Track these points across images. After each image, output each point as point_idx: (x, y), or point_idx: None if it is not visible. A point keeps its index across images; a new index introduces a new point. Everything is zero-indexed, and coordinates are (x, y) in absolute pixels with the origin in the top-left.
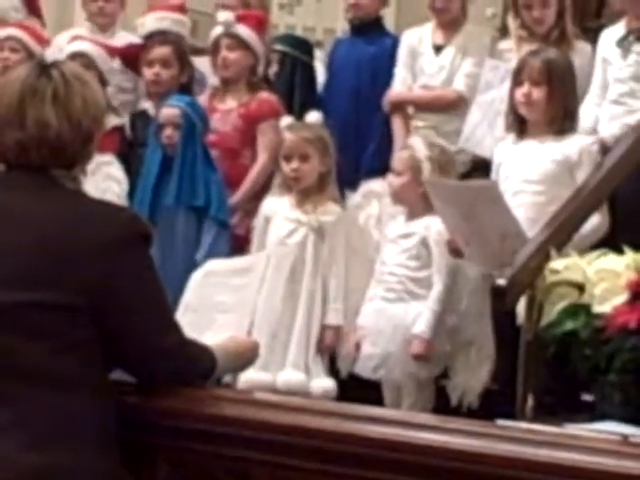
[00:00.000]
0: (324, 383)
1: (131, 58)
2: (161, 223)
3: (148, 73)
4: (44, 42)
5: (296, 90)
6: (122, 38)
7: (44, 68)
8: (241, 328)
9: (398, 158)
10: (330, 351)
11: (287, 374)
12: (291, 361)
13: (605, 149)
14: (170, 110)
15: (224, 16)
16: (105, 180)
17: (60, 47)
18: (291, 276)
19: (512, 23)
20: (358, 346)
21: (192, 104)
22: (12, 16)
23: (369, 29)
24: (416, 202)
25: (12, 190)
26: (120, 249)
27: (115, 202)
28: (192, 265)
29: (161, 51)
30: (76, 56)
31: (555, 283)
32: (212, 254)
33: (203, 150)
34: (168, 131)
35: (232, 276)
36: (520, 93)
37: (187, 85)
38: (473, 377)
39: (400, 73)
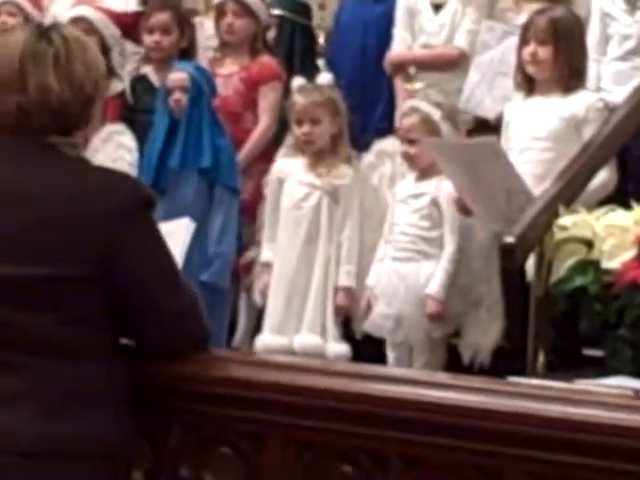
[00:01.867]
0: (339, 346)
1: (127, 27)
2: (169, 188)
3: (148, 40)
4: (42, 7)
5: (296, 54)
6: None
7: (44, 31)
8: None
9: (409, 125)
10: (342, 313)
11: (303, 337)
12: (307, 324)
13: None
14: (178, 74)
15: None
16: (117, 149)
17: (55, 14)
18: (306, 240)
19: None
20: (369, 306)
21: (199, 69)
22: None
23: None
24: (433, 164)
25: (12, 162)
26: (124, 217)
27: (127, 170)
28: (203, 233)
29: (160, 17)
30: (77, 21)
31: (564, 240)
32: (227, 224)
33: (211, 115)
34: (177, 95)
35: None
36: (527, 52)
37: (188, 50)
38: (484, 336)
39: (399, 33)
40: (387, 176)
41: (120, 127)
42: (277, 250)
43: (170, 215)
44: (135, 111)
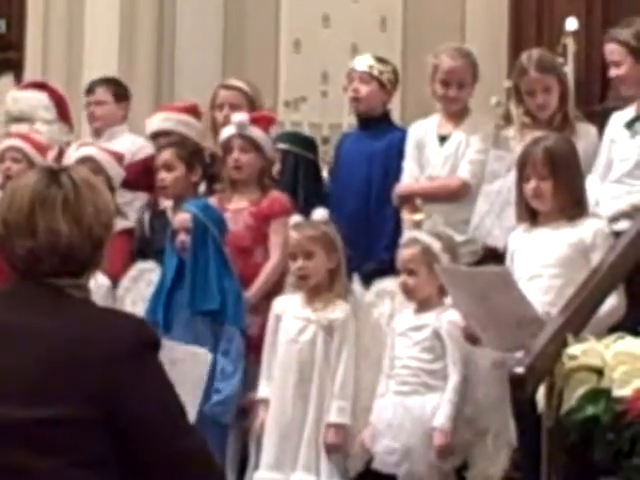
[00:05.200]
0: None
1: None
2: (176, 327)
3: (157, 179)
4: (45, 152)
5: (300, 187)
6: (124, 140)
7: (53, 174)
8: None
9: (409, 257)
10: (333, 450)
11: (298, 476)
12: (302, 462)
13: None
14: (182, 215)
15: (238, 117)
16: (148, 287)
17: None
18: (301, 375)
19: (515, 110)
20: (369, 443)
21: (204, 208)
22: (41, 115)
23: (377, 123)
24: (432, 295)
25: (20, 305)
26: (128, 358)
27: None
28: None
29: (163, 156)
30: (84, 161)
31: (574, 369)
32: (237, 363)
33: (219, 254)
34: (181, 236)
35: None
36: (528, 188)
37: (210, 181)
38: (492, 465)
39: (408, 165)
40: (386, 315)
41: (151, 265)
42: (272, 386)
43: None
44: (149, 250)
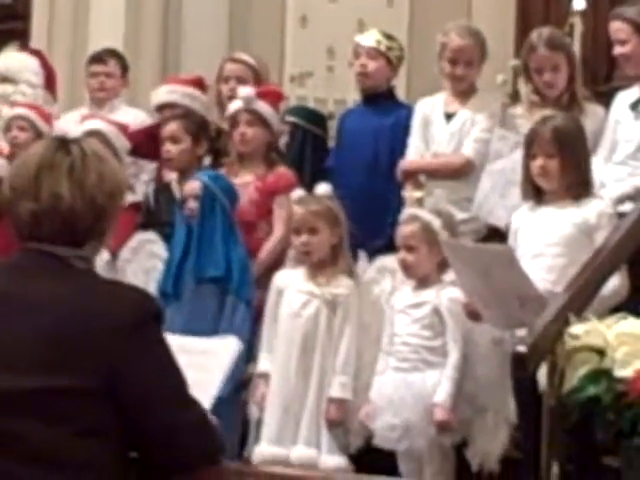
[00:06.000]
0: (335, 459)
1: (141, 144)
2: (186, 296)
3: (162, 151)
4: (51, 121)
5: (306, 161)
6: (124, 113)
7: (64, 143)
8: None
9: (409, 233)
10: (334, 425)
11: (299, 450)
12: (303, 436)
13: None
14: (191, 183)
15: (245, 91)
16: (150, 258)
17: (65, 128)
18: (303, 349)
19: (524, 88)
20: (369, 418)
21: (215, 178)
22: (27, 77)
23: (381, 99)
24: (431, 273)
25: (22, 276)
26: (131, 330)
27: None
28: None
29: (169, 127)
30: (91, 134)
31: (576, 348)
32: (239, 336)
33: (228, 224)
34: (190, 203)
35: (191, 354)
36: (535, 166)
37: (215, 156)
38: (492, 442)
39: (414, 142)
40: (387, 292)
41: (152, 236)
42: (274, 360)
43: (187, 323)
44: (155, 222)
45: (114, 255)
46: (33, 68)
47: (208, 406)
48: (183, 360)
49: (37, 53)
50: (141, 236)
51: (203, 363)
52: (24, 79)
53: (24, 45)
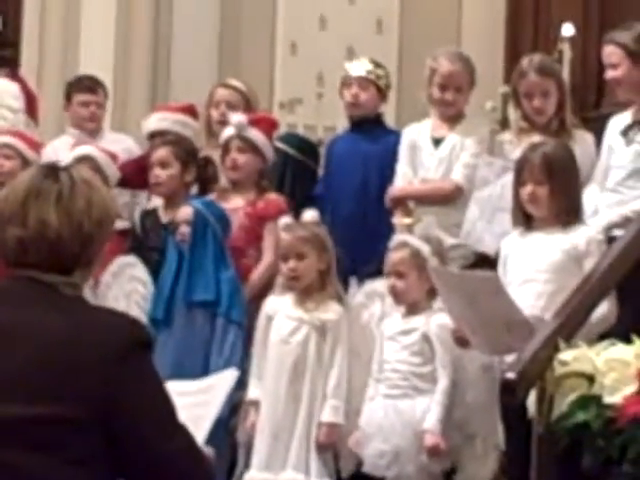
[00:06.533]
0: None
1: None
2: (177, 321)
3: (150, 175)
4: (38, 148)
5: (286, 185)
6: (110, 140)
7: (53, 170)
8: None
9: (399, 260)
10: (324, 449)
11: (288, 475)
12: (292, 462)
13: (610, 238)
14: (184, 209)
15: (237, 118)
16: (130, 282)
17: (50, 157)
18: (293, 375)
19: (513, 114)
20: (359, 446)
21: (208, 204)
22: (8, 102)
23: (369, 126)
24: (421, 299)
25: (10, 303)
26: (120, 358)
27: (141, 304)
28: (205, 365)
29: (159, 153)
30: (81, 160)
31: (565, 375)
32: (228, 359)
33: (219, 249)
34: (182, 228)
35: (193, 395)
36: (525, 192)
37: (203, 184)
38: (481, 468)
39: (401, 169)
40: (376, 316)
41: (132, 259)
42: (264, 387)
43: (179, 348)
44: (143, 248)
45: (96, 281)
46: (14, 93)
47: (204, 437)
48: (186, 401)
49: (17, 78)
50: (121, 260)
51: (204, 400)
52: (5, 104)
53: (13, 73)
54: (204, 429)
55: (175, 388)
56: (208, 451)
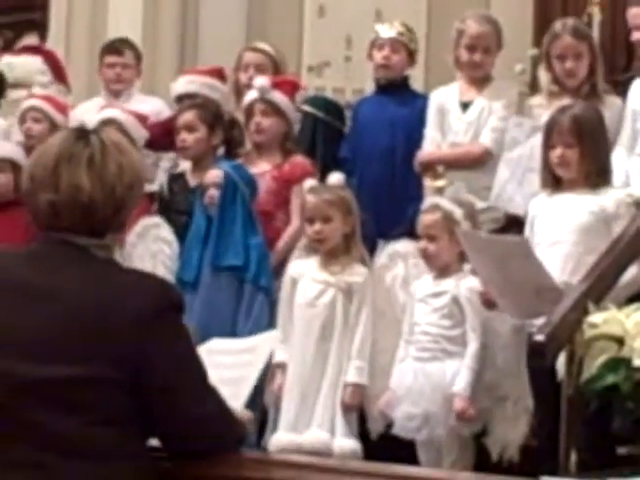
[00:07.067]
0: (348, 443)
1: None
2: (205, 285)
3: (177, 139)
4: (66, 111)
5: (318, 151)
6: (139, 102)
7: (83, 134)
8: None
9: (430, 223)
10: (349, 409)
11: (312, 433)
12: (317, 420)
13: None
14: (213, 172)
15: (260, 81)
16: (155, 242)
17: (79, 118)
18: (321, 338)
19: (544, 76)
20: (390, 407)
21: (237, 167)
22: (37, 79)
23: (396, 88)
24: (452, 262)
25: (44, 265)
26: (152, 320)
27: (167, 263)
28: (232, 332)
29: (185, 116)
30: (107, 122)
31: (594, 337)
32: (256, 323)
33: (247, 214)
34: (211, 191)
35: (236, 354)
36: (554, 155)
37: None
38: (512, 430)
39: (429, 133)
40: (400, 277)
41: (157, 220)
42: (291, 349)
43: (204, 312)
44: (170, 211)
45: (121, 241)
46: (39, 68)
47: (245, 399)
48: (230, 360)
49: (37, 49)
50: (146, 221)
51: (248, 360)
52: (35, 81)
53: (42, 36)
54: (246, 390)
55: (219, 346)
56: (248, 414)
